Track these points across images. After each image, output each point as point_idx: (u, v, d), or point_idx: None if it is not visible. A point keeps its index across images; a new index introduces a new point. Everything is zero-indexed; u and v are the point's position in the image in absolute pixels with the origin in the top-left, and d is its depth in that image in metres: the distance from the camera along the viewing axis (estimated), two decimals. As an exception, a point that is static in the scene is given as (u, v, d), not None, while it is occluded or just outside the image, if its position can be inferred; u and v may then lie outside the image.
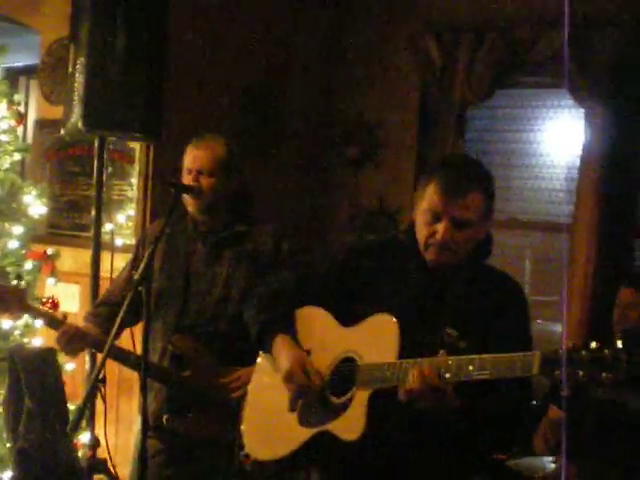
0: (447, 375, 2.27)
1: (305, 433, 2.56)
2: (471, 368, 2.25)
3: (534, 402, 3.01)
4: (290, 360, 2.58)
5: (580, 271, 4.60)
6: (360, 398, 2.44)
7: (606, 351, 2.04)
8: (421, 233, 2.52)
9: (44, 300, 4.34)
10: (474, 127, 5.22)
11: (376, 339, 2.48)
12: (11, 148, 4.44)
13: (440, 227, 2.46)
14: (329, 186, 5.51)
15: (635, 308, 3.99)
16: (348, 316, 2.60)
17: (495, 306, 2.49)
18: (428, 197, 2.49)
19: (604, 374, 2.01)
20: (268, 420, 2.72)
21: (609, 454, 3.84)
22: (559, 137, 5.03)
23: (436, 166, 2.58)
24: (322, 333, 2.64)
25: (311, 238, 5.30)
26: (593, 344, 2.07)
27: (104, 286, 3.76)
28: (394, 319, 2.43)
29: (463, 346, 2.40)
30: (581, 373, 2.04)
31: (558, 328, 4.85)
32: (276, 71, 5.27)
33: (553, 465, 3.56)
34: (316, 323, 2.67)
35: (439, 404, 2.30)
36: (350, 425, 2.42)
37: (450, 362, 2.29)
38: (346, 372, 2.53)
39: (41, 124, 5.17)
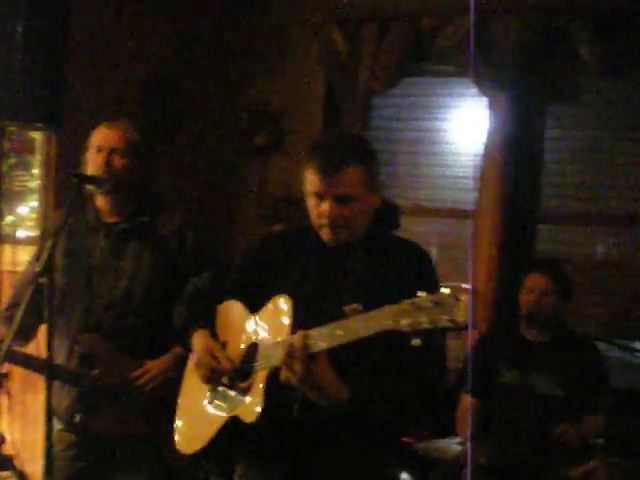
0: (320, 344, 2.27)
1: (219, 421, 2.58)
2: (339, 332, 2.24)
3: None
4: (202, 348, 2.62)
5: (484, 256, 4.68)
6: (259, 380, 2.46)
7: (445, 294, 2.04)
8: (312, 216, 2.54)
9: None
10: (380, 116, 5.25)
11: (274, 320, 2.50)
12: None
13: (325, 206, 2.47)
14: (236, 176, 5.49)
15: (550, 295, 4.10)
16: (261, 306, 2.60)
17: (400, 276, 2.47)
18: (309, 179, 2.50)
19: (444, 317, 2.01)
20: (192, 415, 2.74)
21: (516, 435, 3.94)
22: (465, 125, 5.10)
23: (312, 147, 2.57)
24: (236, 324, 2.66)
25: (219, 228, 5.28)
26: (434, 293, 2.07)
27: (7, 280, 3.67)
28: (286, 296, 2.46)
29: None
30: (424, 318, 2.04)
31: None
32: (180, 60, 5.22)
33: (459, 447, 3.63)
34: (231, 315, 2.69)
35: (322, 394, 2.30)
36: (251, 408, 2.44)
37: (317, 332, 2.29)
38: (249, 356, 2.55)
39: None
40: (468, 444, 3.70)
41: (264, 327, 2.54)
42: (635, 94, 4.72)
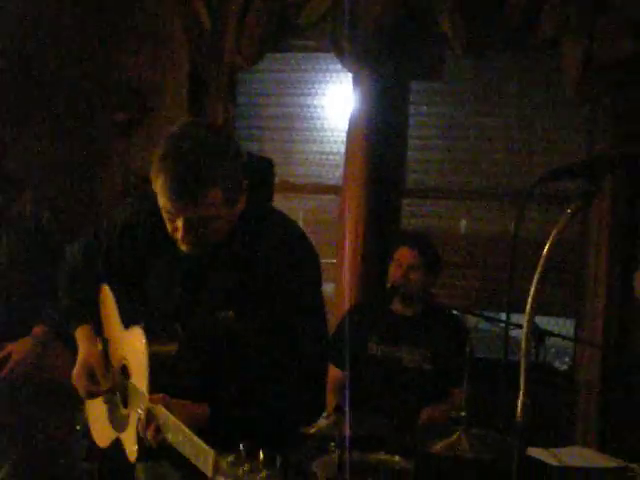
0: (167, 434, 2.15)
1: (110, 435, 2.50)
2: (181, 438, 2.10)
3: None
4: (80, 361, 2.49)
5: (351, 231, 4.70)
6: (132, 420, 2.34)
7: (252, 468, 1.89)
8: (168, 227, 2.28)
9: None
10: (247, 91, 5.20)
11: (136, 354, 2.35)
12: None
13: (179, 225, 2.22)
14: (100, 154, 5.35)
15: (417, 269, 4.13)
16: (129, 301, 2.49)
17: (274, 272, 2.29)
18: (160, 193, 2.21)
19: None
20: (96, 408, 2.63)
21: (383, 408, 3.98)
22: (331, 101, 5.10)
23: (164, 156, 2.20)
24: (112, 326, 2.54)
25: (82, 207, 5.14)
26: None
27: None
28: (141, 336, 2.29)
29: (241, 327, 2.28)
30: None
31: (332, 289, 4.94)
32: (38, 36, 5.03)
33: (325, 421, 3.63)
34: (109, 311, 2.56)
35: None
36: (130, 446, 2.34)
37: (168, 419, 2.14)
38: (122, 382, 2.43)
39: None
40: (347, 417, 3.71)
41: (131, 355, 2.41)
42: (495, 70, 4.81)
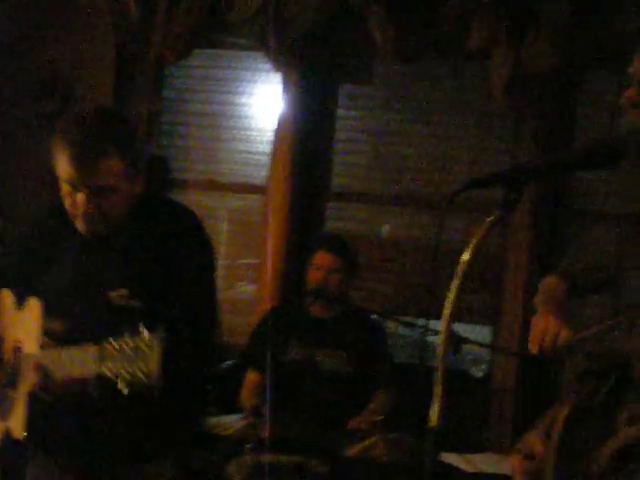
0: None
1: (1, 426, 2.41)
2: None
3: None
4: None
5: (275, 233, 4.68)
6: (20, 399, 2.30)
7: (144, 339, 1.98)
8: (66, 203, 2.29)
9: None
10: (173, 86, 5.14)
11: (30, 324, 2.32)
12: None
13: (79, 198, 2.23)
14: (21, 145, 5.22)
15: (337, 273, 4.14)
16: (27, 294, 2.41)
17: (170, 254, 2.32)
18: (60, 164, 2.23)
19: (139, 369, 1.96)
20: None
21: (302, 411, 3.97)
22: (259, 100, 5.06)
23: (64, 126, 2.27)
24: (7, 319, 2.46)
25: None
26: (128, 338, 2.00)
27: None
28: (36, 301, 2.28)
29: (136, 305, 2.26)
30: (124, 367, 1.97)
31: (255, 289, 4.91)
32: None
33: (241, 422, 3.62)
34: (4, 307, 2.48)
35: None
36: (18, 428, 2.28)
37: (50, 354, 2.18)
38: (15, 363, 2.37)
39: None
40: (249, 418, 3.69)
41: (23, 331, 2.36)
42: (424, 77, 4.85)
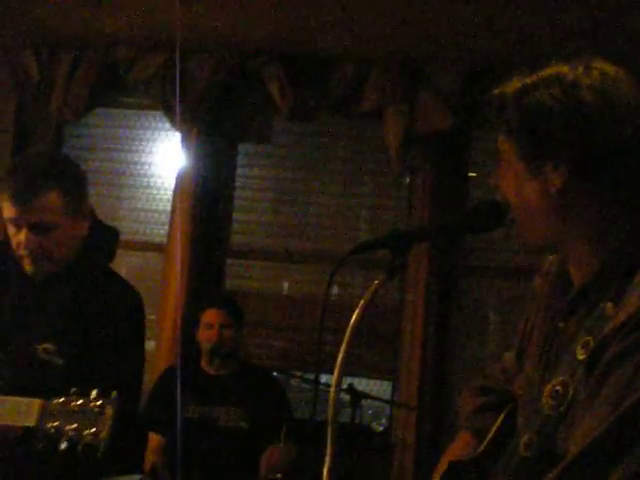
0: None
1: None
2: None
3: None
4: None
5: (173, 290, 4.68)
6: None
7: (94, 402, 2.01)
8: (13, 244, 2.36)
9: None
10: (73, 145, 5.12)
11: None
12: None
13: (22, 236, 2.31)
14: None
15: (229, 328, 4.15)
16: None
17: (99, 317, 2.35)
18: (5, 206, 2.32)
19: (89, 431, 1.98)
20: None
21: (204, 467, 3.96)
22: (159, 159, 5.09)
23: (7, 170, 2.38)
24: None
25: None
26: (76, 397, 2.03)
27: None
28: None
29: (59, 363, 2.29)
30: (70, 427, 1.99)
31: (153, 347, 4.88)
32: None
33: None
34: None
35: None
36: None
37: None
38: None
39: None
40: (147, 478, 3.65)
41: None
42: (322, 136, 4.95)
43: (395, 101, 4.54)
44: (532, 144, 1.50)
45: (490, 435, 1.78)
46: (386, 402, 4.61)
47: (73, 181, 2.38)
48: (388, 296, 4.71)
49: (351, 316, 1.67)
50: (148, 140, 5.11)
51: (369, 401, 4.41)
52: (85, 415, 1.98)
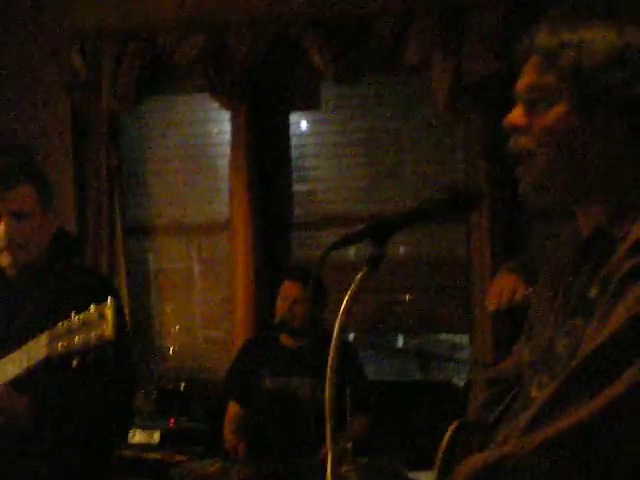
0: None
1: None
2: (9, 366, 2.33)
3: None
4: None
5: (242, 266, 4.70)
6: None
7: (91, 312, 2.16)
8: None
9: None
10: (130, 135, 5.16)
11: None
12: None
13: (2, 227, 2.54)
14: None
15: (302, 303, 4.17)
16: None
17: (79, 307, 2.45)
18: None
19: (93, 334, 2.12)
20: None
21: (283, 439, 4.02)
22: (213, 139, 5.11)
23: None
24: None
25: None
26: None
27: None
28: None
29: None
30: (76, 339, 2.15)
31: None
32: None
33: (216, 465, 3.66)
34: None
35: None
36: None
37: None
38: None
39: None
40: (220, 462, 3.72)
41: None
42: (374, 97, 4.87)
43: (440, 50, 4.42)
44: (587, 90, 1.50)
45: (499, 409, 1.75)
46: (455, 361, 4.59)
47: (43, 179, 2.66)
48: (455, 250, 4.66)
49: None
50: (200, 122, 5.12)
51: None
52: (88, 325, 2.14)
